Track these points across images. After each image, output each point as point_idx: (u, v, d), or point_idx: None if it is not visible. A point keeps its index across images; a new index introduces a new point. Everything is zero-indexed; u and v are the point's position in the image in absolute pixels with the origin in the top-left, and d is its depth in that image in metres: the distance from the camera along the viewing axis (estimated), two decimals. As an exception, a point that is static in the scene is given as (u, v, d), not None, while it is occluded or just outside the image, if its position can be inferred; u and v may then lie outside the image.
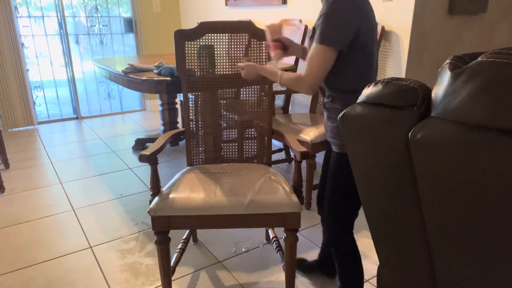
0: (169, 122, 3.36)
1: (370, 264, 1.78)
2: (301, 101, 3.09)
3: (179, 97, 3.62)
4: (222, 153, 1.73)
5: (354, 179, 1.20)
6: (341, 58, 1.23)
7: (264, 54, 1.64)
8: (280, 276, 1.69)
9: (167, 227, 1.36)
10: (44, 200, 2.41)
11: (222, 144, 1.72)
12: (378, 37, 1.31)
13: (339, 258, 1.42)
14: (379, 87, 0.89)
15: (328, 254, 1.65)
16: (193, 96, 1.68)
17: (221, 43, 1.63)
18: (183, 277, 1.69)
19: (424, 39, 2.24)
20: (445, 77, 0.75)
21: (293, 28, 2.82)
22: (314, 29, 1.30)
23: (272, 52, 1.47)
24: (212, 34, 1.62)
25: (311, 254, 1.85)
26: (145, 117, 4.51)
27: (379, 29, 2.23)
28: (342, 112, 0.97)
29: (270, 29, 1.48)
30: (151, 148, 1.42)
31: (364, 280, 1.67)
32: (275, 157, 3.10)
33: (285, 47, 1.49)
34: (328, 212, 1.40)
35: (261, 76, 1.46)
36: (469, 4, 2.37)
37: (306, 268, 1.73)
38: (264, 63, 1.66)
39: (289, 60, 2.82)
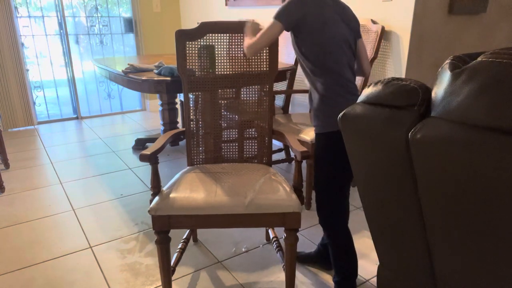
0: (169, 122, 3.36)
1: (370, 264, 1.78)
2: (301, 101, 3.09)
3: (179, 97, 3.63)
4: (222, 153, 1.73)
5: (337, 160, 1.38)
6: (298, 42, 1.46)
7: (264, 53, 1.65)
8: (280, 276, 1.70)
9: (167, 226, 1.36)
10: (44, 200, 2.41)
11: (222, 144, 1.72)
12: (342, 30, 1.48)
13: (331, 241, 1.50)
14: (379, 87, 0.89)
15: (325, 242, 1.70)
16: (194, 96, 1.68)
17: (222, 43, 1.64)
18: (183, 277, 1.69)
19: (424, 39, 2.24)
20: (445, 77, 0.75)
21: (293, 28, 2.81)
22: None
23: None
24: (213, 34, 1.62)
25: (311, 254, 1.85)
26: (145, 117, 4.51)
27: (378, 29, 2.23)
28: (342, 112, 0.97)
29: (250, 29, 1.58)
30: (152, 147, 1.42)
31: (364, 280, 1.67)
32: (275, 157, 3.10)
33: None
34: (316, 194, 1.51)
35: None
36: (469, 4, 2.37)
37: (302, 258, 1.77)
38: (265, 63, 1.66)
39: (289, 60, 2.82)
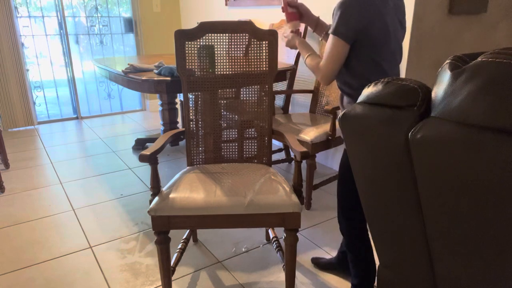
0: (169, 122, 3.36)
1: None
2: (301, 101, 3.09)
3: (179, 97, 3.62)
4: (222, 153, 1.73)
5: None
6: (351, 56, 1.29)
7: (264, 53, 1.65)
8: (280, 276, 1.69)
9: (167, 227, 1.36)
10: (44, 200, 2.41)
11: (222, 144, 1.72)
12: (399, 36, 1.33)
13: (349, 248, 1.48)
14: (379, 87, 0.89)
15: (345, 252, 1.67)
16: (193, 96, 1.68)
17: (221, 43, 1.64)
18: (183, 277, 1.69)
19: (424, 39, 2.24)
20: (445, 77, 0.75)
21: (293, 28, 2.81)
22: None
23: (288, 21, 1.56)
24: (212, 34, 1.62)
25: (311, 254, 1.85)
26: (145, 117, 4.51)
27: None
28: (342, 112, 0.97)
29: (296, 43, 1.55)
30: (151, 148, 1.42)
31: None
32: (275, 157, 3.10)
33: (300, 15, 1.57)
34: (339, 202, 1.47)
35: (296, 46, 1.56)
36: (469, 4, 2.37)
37: (323, 265, 1.75)
38: (265, 63, 1.66)
39: (289, 60, 2.82)
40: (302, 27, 2.71)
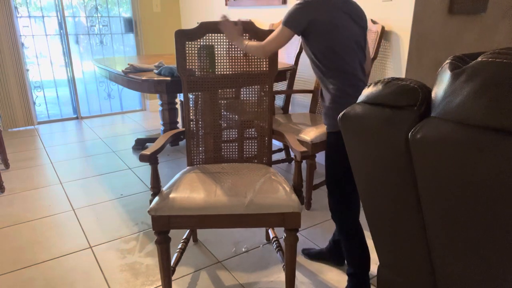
0: (169, 122, 3.36)
1: (370, 264, 1.78)
2: (301, 101, 3.09)
3: (179, 97, 3.62)
4: (222, 153, 1.73)
5: (347, 159, 1.30)
6: (308, 44, 1.46)
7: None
8: (280, 276, 1.69)
9: (167, 226, 1.36)
10: (44, 200, 2.41)
11: (222, 144, 1.72)
12: (354, 31, 1.48)
13: (344, 235, 1.52)
14: (379, 87, 0.89)
15: (337, 239, 1.72)
16: (193, 96, 1.68)
17: (221, 43, 1.64)
18: (183, 277, 1.69)
19: (424, 39, 2.24)
20: (445, 77, 0.75)
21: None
22: None
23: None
24: (212, 34, 1.62)
25: (311, 254, 1.85)
26: (145, 117, 4.51)
27: (378, 29, 2.23)
28: (342, 112, 0.97)
29: (230, 28, 1.60)
30: (151, 148, 1.42)
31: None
32: (275, 157, 3.10)
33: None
34: (328, 192, 1.53)
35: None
36: (469, 4, 2.37)
37: (314, 255, 1.80)
38: (265, 63, 1.65)
39: (289, 60, 2.82)
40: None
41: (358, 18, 1.48)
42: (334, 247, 1.74)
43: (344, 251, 1.55)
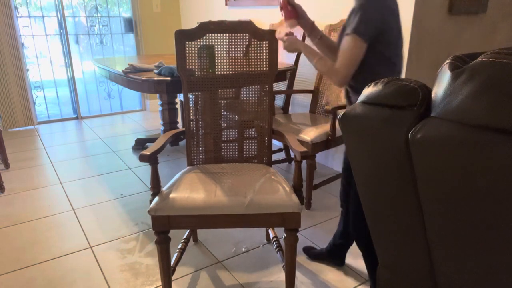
0: (169, 122, 3.36)
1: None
2: (301, 101, 3.09)
3: (179, 97, 3.62)
4: (222, 153, 1.73)
5: None
6: (368, 52, 1.31)
7: (264, 53, 1.64)
8: (280, 276, 1.69)
9: (167, 227, 1.36)
10: (44, 200, 2.41)
11: (222, 144, 1.72)
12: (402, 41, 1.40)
13: (361, 248, 1.46)
14: (379, 87, 0.89)
15: (338, 243, 1.71)
16: (193, 96, 1.68)
17: (221, 43, 1.64)
18: (183, 277, 1.69)
19: (424, 39, 2.24)
20: (445, 77, 0.75)
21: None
22: (344, 27, 1.37)
23: (286, 19, 1.53)
24: (212, 34, 1.62)
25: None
26: (145, 117, 4.51)
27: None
28: (342, 112, 0.97)
29: (297, 45, 1.53)
30: (151, 148, 1.42)
31: (364, 280, 1.67)
32: (275, 157, 3.10)
33: (297, 16, 1.55)
34: (353, 208, 1.44)
35: (300, 50, 1.53)
36: (469, 4, 2.37)
37: (314, 255, 1.80)
38: (265, 63, 1.65)
39: (289, 60, 2.82)
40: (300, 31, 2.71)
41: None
42: (334, 249, 1.74)
43: (368, 269, 1.47)
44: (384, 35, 1.29)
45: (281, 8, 1.55)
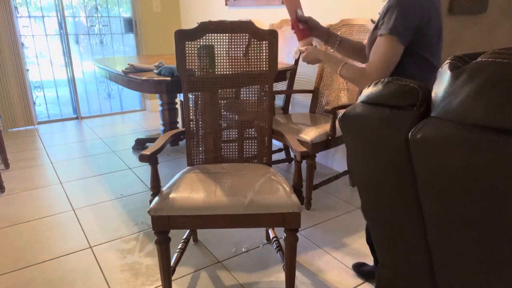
0: (169, 122, 3.36)
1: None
2: (301, 101, 3.09)
3: (179, 97, 3.62)
4: (222, 153, 1.73)
5: None
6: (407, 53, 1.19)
7: (264, 53, 1.64)
8: (280, 276, 1.69)
9: (167, 227, 1.36)
10: (44, 200, 2.41)
11: (222, 144, 1.72)
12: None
13: (369, 243, 1.43)
14: (379, 87, 0.89)
15: None
16: (193, 96, 1.68)
17: (221, 43, 1.64)
18: (183, 277, 1.69)
19: (424, 39, 2.24)
20: (445, 77, 0.75)
21: (293, 28, 2.81)
22: (376, 25, 1.28)
23: (300, 39, 1.48)
24: (212, 34, 1.62)
25: (311, 254, 1.85)
26: (145, 117, 4.51)
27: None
28: (342, 112, 0.97)
29: (287, 1, 1.45)
30: (151, 148, 1.42)
31: (364, 280, 1.67)
32: (275, 157, 3.10)
33: (310, 29, 1.49)
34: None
35: (321, 61, 1.42)
36: (469, 4, 2.37)
37: (366, 273, 1.67)
38: (265, 63, 1.65)
39: (289, 60, 2.82)
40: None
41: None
42: None
43: (376, 262, 1.44)
44: (425, 36, 1.18)
45: (293, 28, 1.50)
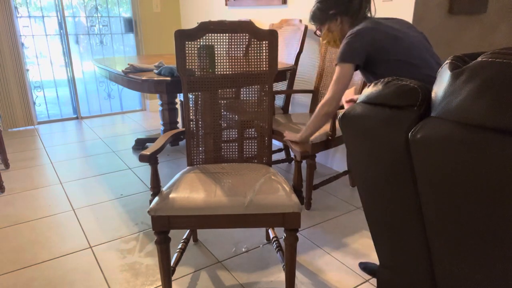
0: (169, 122, 3.36)
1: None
2: (301, 101, 3.09)
3: (179, 97, 3.62)
4: (222, 153, 1.73)
5: None
6: (371, 74, 1.48)
7: (264, 53, 1.65)
8: (280, 276, 1.69)
9: (167, 227, 1.36)
10: (44, 200, 2.41)
11: (222, 144, 1.72)
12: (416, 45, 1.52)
13: None
14: (379, 87, 0.89)
15: None
16: (193, 96, 1.68)
17: (221, 43, 1.64)
18: (183, 277, 1.69)
19: (424, 39, 2.24)
20: (445, 77, 0.75)
21: (293, 28, 2.82)
22: None
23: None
24: (212, 34, 1.62)
25: (311, 254, 1.85)
26: (145, 117, 4.51)
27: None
28: (342, 112, 0.97)
29: (295, 135, 1.73)
30: (151, 148, 1.42)
31: (364, 280, 1.67)
32: (275, 157, 3.10)
33: None
34: None
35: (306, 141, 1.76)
36: (469, 4, 2.37)
37: (373, 271, 1.70)
38: (265, 63, 1.66)
39: (289, 60, 2.82)
40: (301, 30, 2.71)
41: (407, 26, 1.54)
42: None
43: None
44: (376, 46, 1.43)
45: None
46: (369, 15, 1.65)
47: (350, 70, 1.43)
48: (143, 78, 2.19)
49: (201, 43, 1.62)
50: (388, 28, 1.48)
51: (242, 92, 1.72)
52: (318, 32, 1.75)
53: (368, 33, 1.45)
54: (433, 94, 0.79)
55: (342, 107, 2.05)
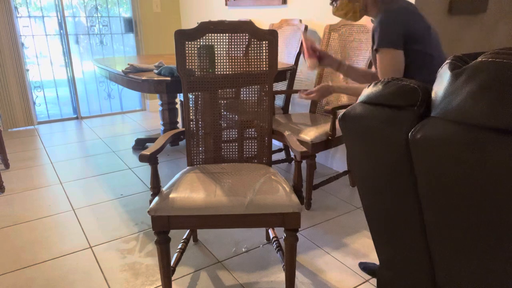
0: (169, 122, 3.36)
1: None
2: (301, 101, 3.09)
3: (179, 97, 3.62)
4: (222, 153, 1.73)
5: None
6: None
7: (264, 53, 1.65)
8: (280, 276, 1.69)
9: (167, 227, 1.36)
10: (44, 200, 2.41)
11: (222, 144, 1.72)
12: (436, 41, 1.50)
13: None
14: (379, 87, 0.89)
15: None
16: (193, 96, 1.68)
17: (221, 43, 1.64)
18: (183, 277, 1.69)
19: (424, 39, 2.24)
20: (445, 77, 0.75)
21: (293, 28, 2.82)
22: (372, 47, 1.48)
23: (307, 59, 1.71)
24: (212, 34, 1.62)
25: (311, 254, 1.85)
26: (145, 117, 4.51)
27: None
28: (342, 112, 0.97)
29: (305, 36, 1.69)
30: (151, 148, 1.42)
31: (364, 280, 1.67)
32: (275, 157, 3.10)
33: (319, 58, 1.72)
34: None
35: (332, 93, 1.69)
36: (469, 4, 2.37)
37: (372, 271, 1.70)
38: (265, 63, 1.65)
39: (289, 60, 2.82)
40: (301, 30, 2.71)
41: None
42: None
43: None
44: (412, 32, 1.33)
45: (304, 52, 1.72)
46: None
47: (400, 55, 1.33)
48: (143, 78, 2.19)
49: (201, 43, 1.62)
50: (421, 16, 1.41)
51: (242, 92, 1.72)
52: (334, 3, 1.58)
53: (410, 17, 1.35)
54: (433, 94, 0.79)
55: (344, 107, 2.05)
